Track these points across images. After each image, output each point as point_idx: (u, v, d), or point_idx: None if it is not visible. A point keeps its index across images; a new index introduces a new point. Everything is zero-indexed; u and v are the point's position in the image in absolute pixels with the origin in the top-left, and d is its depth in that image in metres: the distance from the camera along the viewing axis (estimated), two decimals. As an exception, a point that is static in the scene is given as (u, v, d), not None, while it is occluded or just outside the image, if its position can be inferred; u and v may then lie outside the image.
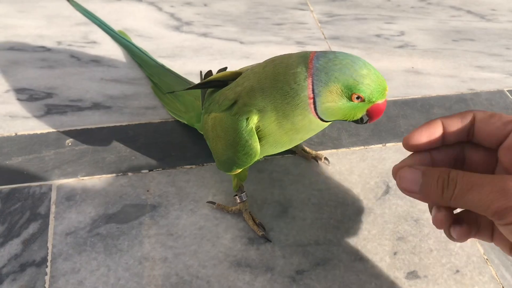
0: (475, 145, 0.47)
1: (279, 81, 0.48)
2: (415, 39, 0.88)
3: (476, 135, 0.46)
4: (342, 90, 0.45)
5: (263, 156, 0.57)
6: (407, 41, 0.88)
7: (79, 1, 0.89)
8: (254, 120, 0.49)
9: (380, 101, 0.47)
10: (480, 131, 0.46)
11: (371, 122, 0.50)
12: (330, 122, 0.50)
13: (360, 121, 0.49)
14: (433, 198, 0.43)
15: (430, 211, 0.48)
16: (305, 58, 0.47)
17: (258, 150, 0.50)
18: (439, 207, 0.45)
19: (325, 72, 0.45)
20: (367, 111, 0.48)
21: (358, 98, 0.46)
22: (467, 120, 0.46)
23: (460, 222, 0.45)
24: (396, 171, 0.46)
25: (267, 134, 0.50)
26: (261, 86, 0.49)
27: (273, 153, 0.57)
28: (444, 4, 0.98)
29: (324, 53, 0.47)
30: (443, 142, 0.47)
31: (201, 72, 0.65)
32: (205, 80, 0.58)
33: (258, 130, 0.50)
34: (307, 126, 0.49)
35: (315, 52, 0.48)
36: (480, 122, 0.45)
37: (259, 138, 0.50)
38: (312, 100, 0.46)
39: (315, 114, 0.47)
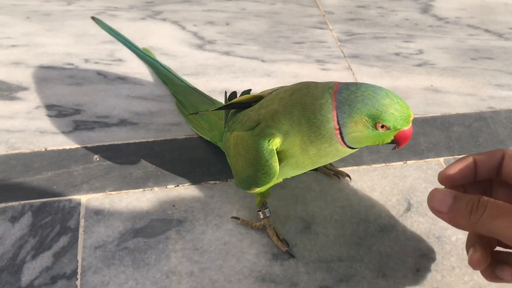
0: (503, 182, 0.48)
1: (306, 110, 0.49)
2: (433, 58, 0.89)
3: (504, 172, 0.47)
4: (366, 120, 0.47)
5: (283, 179, 0.59)
6: (426, 60, 0.89)
7: (104, 20, 0.92)
8: (276, 142, 0.51)
9: (405, 128, 0.48)
10: (507, 169, 0.47)
11: (399, 148, 0.51)
12: (358, 148, 0.52)
13: (391, 143, 0.51)
14: (460, 220, 0.44)
15: (467, 251, 0.49)
16: (330, 90, 0.49)
17: (277, 170, 0.52)
18: (475, 246, 0.47)
19: (348, 104, 0.47)
20: (394, 137, 0.49)
21: (383, 127, 0.47)
22: (496, 158, 0.47)
23: (506, 263, 0.46)
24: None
25: (289, 156, 0.52)
26: (287, 112, 0.51)
27: (293, 175, 0.58)
28: (462, 23, 0.99)
29: (346, 85, 0.49)
30: (474, 178, 0.48)
31: (225, 92, 0.66)
32: (228, 103, 0.60)
33: (280, 152, 0.52)
34: (333, 153, 0.51)
35: (339, 83, 0.50)
36: (509, 160, 0.47)
37: (280, 160, 0.52)
38: (338, 131, 0.48)
39: (342, 143, 0.49)
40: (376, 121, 0.47)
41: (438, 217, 0.47)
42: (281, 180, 0.59)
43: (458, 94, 0.82)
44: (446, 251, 0.60)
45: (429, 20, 1.00)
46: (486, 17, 1.01)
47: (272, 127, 0.51)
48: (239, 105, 0.60)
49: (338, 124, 0.48)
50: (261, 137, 0.52)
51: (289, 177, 0.60)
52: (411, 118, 0.49)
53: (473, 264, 0.47)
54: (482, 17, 1.01)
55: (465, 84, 0.84)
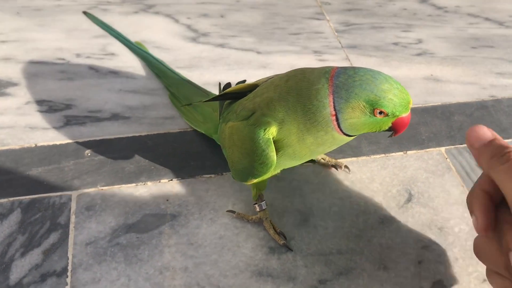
0: None
1: (301, 96, 0.48)
2: (433, 47, 0.88)
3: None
4: (364, 106, 0.45)
5: (281, 170, 0.57)
6: (425, 49, 0.87)
7: (96, 15, 0.90)
8: (272, 130, 0.49)
9: (404, 115, 0.47)
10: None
11: (396, 135, 0.50)
12: (355, 136, 0.50)
13: (389, 131, 0.49)
14: (481, 159, 0.46)
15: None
16: (326, 75, 0.47)
17: (275, 160, 0.50)
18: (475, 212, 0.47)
19: (345, 89, 0.45)
20: (392, 124, 0.47)
21: (381, 113, 0.45)
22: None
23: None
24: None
25: (285, 146, 0.50)
26: (282, 99, 0.49)
27: (291, 165, 0.56)
28: (461, 11, 0.97)
29: (344, 69, 0.47)
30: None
31: (219, 83, 0.65)
32: (223, 92, 0.59)
33: (276, 141, 0.50)
34: (330, 141, 0.49)
35: (336, 68, 0.48)
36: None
37: (277, 149, 0.50)
38: (334, 117, 0.46)
39: (339, 130, 0.47)
40: (374, 107, 0.45)
41: (468, 148, 0.48)
42: (278, 171, 0.57)
43: (459, 83, 0.80)
44: (448, 242, 0.58)
45: (428, 10, 0.98)
46: (486, 5, 1.00)
47: (267, 116, 0.50)
48: (233, 95, 0.58)
49: (335, 110, 0.46)
50: (256, 126, 0.50)
51: (286, 168, 0.58)
52: (410, 105, 0.47)
53: (478, 228, 0.47)
54: (482, 6, 0.99)
55: (466, 73, 0.82)
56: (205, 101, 0.60)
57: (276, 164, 0.52)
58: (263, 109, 0.50)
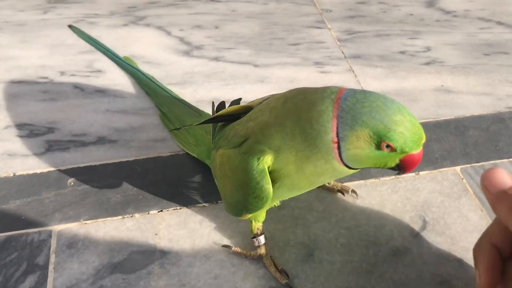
0: None
1: (301, 119, 0.42)
2: (442, 55, 0.82)
3: None
4: (370, 136, 0.40)
5: (279, 201, 0.52)
6: (434, 57, 0.81)
7: (83, 29, 0.85)
8: (267, 160, 0.44)
9: (414, 152, 0.41)
10: None
11: (403, 174, 0.45)
12: (357, 170, 0.45)
13: (395, 168, 0.44)
14: (501, 210, 0.42)
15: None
16: (332, 96, 0.42)
17: (271, 193, 0.45)
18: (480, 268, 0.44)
19: (351, 115, 0.40)
20: (400, 161, 0.42)
21: (388, 147, 0.41)
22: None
23: None
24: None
25: (283, 176, 0.45)
26: (278, 123, 0.44)
27: (290, 197, 0.51)
28: (471, 16, 0.92)
29: (353, 92, 0.42)
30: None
31: (213, 103, 0.59)
32: (215, 115, 0.53)
33: (272, 171, 0.45)
34: (330, 171, 0.44)
35: (344, 89, 0.42)
36: None
37: (273, 180, 0.45)
38: (336, 145, 0.41)
39: (339, 161, 0.42)
40: (381, 139, 0.40)
41: (484, 193, 0.44)
42: (277, 202, 0.52)
43: (472, 94, 0.74)
44: (469, 276, 0.52)
45: (435, 14, 0.92)
46: (497, 8, 0.94)
47: (262, 143, 0.44)
48: (226, 117, 0.53)
49: (337, 136, 0.41)
50: (249, 155, 0.45)
51: (286, 199, 0.52)
52: (423, 141, 0.42)
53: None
54: (493, 9, 0.93)
55: (479, 82, 0.76)
56: (197, 125, 0.54)
57: (273, 196, 0.46)
58: (257, 135, 0.45)
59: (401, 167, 0.43)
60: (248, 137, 0.46)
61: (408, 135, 0.40)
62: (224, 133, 0.51)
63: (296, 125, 0.42)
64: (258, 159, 0.44)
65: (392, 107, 0.41)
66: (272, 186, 0.45)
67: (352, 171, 0.45)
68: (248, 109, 0.51)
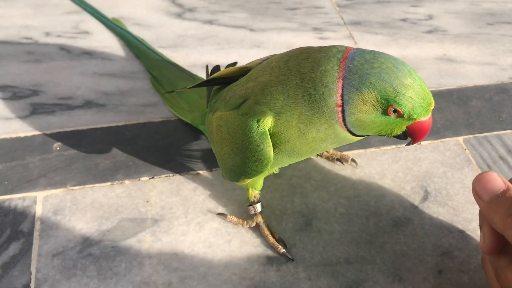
0: None
1: (304, 80, 0.39)
2: (445, 23, 0.79)
3: None
4: (377, 100, 0.38)
5: (278, 167, 0.49)
6: (437, 26, 0.78)
7: (70, -12, 0.80)
8: (268, 122, 0.41)
9: (423, 119, 0.39)
10: None
11: (413, 144, 0.42)
12: (362, 137, 0.42)
13: (402, 137, 0.41)
14: (494, 216, 0.40)
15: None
16: (338, 55, 0.39)
17: (271, 157, 0.42)
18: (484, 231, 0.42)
19: (359, 76, 0.38)
20: (408, 128, 0.40)
21: (395, 112, 0.38)
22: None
23: None
24: None
25: (283, 141, 0.42)
26: (280, 83, 0.41)
27: (289, 163, 0.49)
28: (474, -16, 0.89)
29: (361, 52, 0.39)
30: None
31: (207, 66, 0.56)
32: (210, 77, 0.50)
33: (272, 135, 0.42)
34: (332, 137, 0.42)
35: (351, 49, 0.39)
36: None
37: (273, 145, 0.42)
38: (340, 108, 0.39)
39: (343, 126, 0.40)
40: (388, 104, 0.38)
41: (476, 201, 0.41)
42: (276, 169, 0.49)
43: (475, 63, 0.72)
44: (472, 247, 0.50)
45: (437, -18, 0.89)
46: (501, -23, 0.91)
47: (262, 103, 0.41)
48: (222, 80, 0.50)
49: (342, 99, 0.38)
50: (249, 116, 0.42)
51: (285, 166, 0.50)
52: (432, 107, 0.39)
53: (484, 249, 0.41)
54: (496, -22, 0.91)
55: (482, 52, 0.74)
56: (190, 88, 0.51)
57: (273, 162, 0.44)
58: (257, 96, 0.42)
59: (410, 135, 0.40)
60: (247, 97, 0.43)
61: (417, 100, 0.38)
62: (221, 96, 0.48)
63: (298, 86, 0.40)
64: (258, 120, 0.41)
65: (403, 69, 0.38)
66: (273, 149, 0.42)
67: (356, 138, 0.42)
68: (245, 71, 0.48)
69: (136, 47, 0.68)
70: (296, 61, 0.41)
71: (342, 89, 0.38)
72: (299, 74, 0.40)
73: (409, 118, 0.38)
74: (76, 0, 0.77)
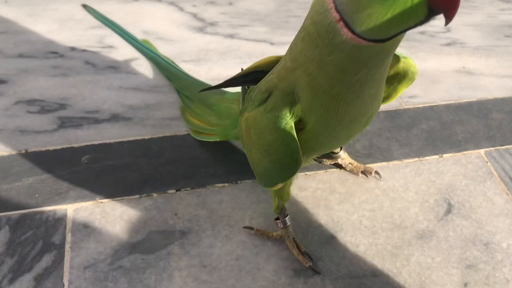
0: None
1: (306, 29, 0.36)
2: (463, 36, 0.80)
3: None
4: None
5: (316, 155, 0.47)
6: (455, 38, 0.79)
7: (92, 3, 0.82)
8: (295, 111, 0.38)
9: None
10: None
11: (448, 19, 0.31)
12: (392, 41, 0.34)
13: (431, 16, 0.32)
14: None
15: None
16: None
17: (301, 158, 0.40)
18: None
19: None
20: (430, 0, 0.31)
21: None
22: None
23: None
24: None
25: (316, 119, 0.39)
26: (293, 55, 0.38)
27: (329, 146, 0.45)
28: (491, -4, 0.89)
29: None
30: None
31: (242, 69, 0.57)
32: (244, 71, 0.47)
33: (300, 121, 0.39)
34: (362, 63, 0.35)
35: None
36: None
37: (304, 130, 0.40)
38: (342, 23, 0.33)
39: (357, 38, 0.33)
40: None
41: None
42: (312, 159, 0.47)
43: (494, 76, 0.72)
44: (497, 260, 0.51)
45: (455, -6, 0.89)
46: (517, -11, 0.92)
47: (286, 92, 0.38)
48: (260, 75, 0.45)
49: (338, 12, 0.33)
50: (276, 112, 0.39)
51: (319, 155, 0.47)
52: None
53: None
54: (513, -10, 0.91)
55: (501, 64, 0.75)
56: (226, 84, 0.48)
57: (310, 147, 0.42)
58: (279, 85, 0.39)
59: (437, 7, 0.31)
60: (271, 91, 0.41)
61: None
62: (250, 95, 0.46)
63: (305, 39, 0.36)
64: (286, 115, 0.39)
65: None
66: (308, 137, 0.40)
67: (385, 48, 0.34)
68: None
69: (166, 69, 0.69)
70: (304, 23, 0.37)
71: (334, 3, 0.33)
72: (304, 29, 0.36)
73: None
74: (106, 21, 0.77)
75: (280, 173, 0.42)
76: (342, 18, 0.33)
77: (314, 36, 0.35)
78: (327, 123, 0.39)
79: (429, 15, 0.31)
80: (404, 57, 0.45)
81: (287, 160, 0.41)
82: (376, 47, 0.34)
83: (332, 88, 0.37)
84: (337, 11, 0.33)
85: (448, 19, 0.32)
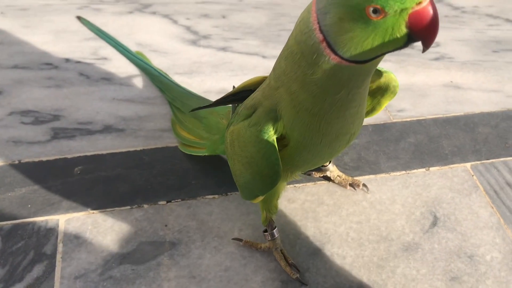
0: None
1: (289, 47, 0.37)
2: (451, 51, 0.81)
3: None
4: (351, 10, 0.32)
5: (300, 172, 0.48)
6: (444, 53, 0.81)
7: (88, 15, 0.83)
8: (279, 127, 0.40)
9: (417, 6, 0.31)
10: None
11: (425, 47, 0.33)
12: (371, 62, 0.35)
13: (411, 42, 0.33)
14: None
15: None
16: (310, 4, 0.35)
17: (280, 171, 0.41)
18: None
19: (326, 0, 0.33)
20: (408, 28, 0.32)
21: (375, 12, 0.31)
22: None
23: None
24: None
25: (298, 136, 0.40)
26: (277, 74, 0.39)
27: (312, 162, 0.46)
28: (480, 12, 0.91)
29: None
30: None
31: (233, 87, 0.58)
32: (233, 90, 0.49)
33: (283, 137, 0.41)
34: (341, 83, 0.36)
35: None
36: None
37: (287, 147, 0.41)
38: (325, 44, 0.34)
39: (340, 59, 0.34)
40: (363, 6, 0.31)
41: None
42: (297, 175, 0.48)
43: (482, 90, 0.74)
44: (480, 272, 0.52)
45: (444, 10, 0.91)
46: (505, 5, 0.93)
47: (269, 109, 0.40)
48: (248, 93, 0.47)
49: (322, 33, 0.34)
50: (259, 126, 0.40)
51: (309, 168, 0.48)
52: None
53: None
54: (501, 6, 0.93)
55: (488, 79, 0.76)
56: (216, 103, 0.50)
57: (294, 164, 0.43)
58: (264, 102, 0.41)
59: (415, 35, 0.32)
60: (256, 107, 0.42)
61: None
62: (237, 110, 0.47)
63: (287, 58, 0.37)
64: (268, 129, 0.40)
65: None
66: (291, 153, 0.41)
67: (365, 68, 0.35)
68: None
69: (159, 80, 0.70)
70: (287, 43, 0.38)
71: (319, 23, 0.34)
72: (287, 47, 0.37)
73: (398, 12, 0.31)
74: (100, 33, 0.78)
75: (260, 185, 0.43)
76: (325, 39, 0.34)
77: (298, 56, 0.36)
78: (309, 140, 0.41)
79: (408, 41, 0.33)
80: (385, 72, 0.47)
81: (268, 172, 0.42)
82: (357, 68, 0.35)
83: (314, 107, 0.38)
84: (321, 32, 0.34)
85: (426, 47, 0.33)
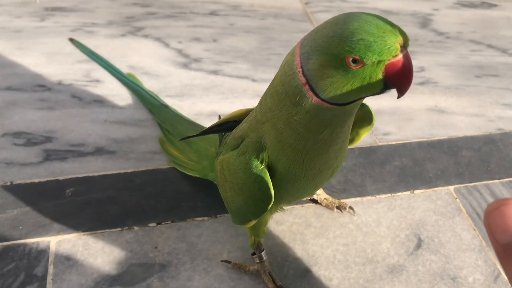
0: None
1: (275, 87, 0.39)
2: (436, 75, 0.84)
3: None
4: (331, 58, 0.34)
5: (285, 204, 0.50)
6: (428, 77, 0.83)
7: (81, 38, 0.84)
8: (265, 157, 0.42)
9: (393, 59, 0.34)
10: None
11: (400, 94, 0.36)
12: (352, 104, 0.37)
13: (387, 89, 0.36)
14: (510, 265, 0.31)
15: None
16: (297, 45, 0.38)
17: (272, 194, 0.42)
18: None
19: (309, 46, 0.35)
20: (385, 76, 0.34)
21: (355, 61, 0.34)
22: None
23: None
24: None
25: (283, 169, 0.42)
26: (263, 109, 0.41)
27: (293, 196, 0.48)
28: (463, 38, 0.94)
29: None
30: None
31: (219, 116, 0.59)
32: (219, 121, 0.51)
33: (275, 165, 0.42)
34: (321, 123, 0.38)
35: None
36: None
37: (276, 179, 0.43)
38: (307, 86, 0.36)
39: (319, 100, 0.36)
40: (343, 56, 0.33)
41: (490, 239, 0.28)
42: (282, 207, 0.50)
43: (465, 114, 0.76)
44: (463, 294, 0.53)
45: (429, 35, 0.94)
46: (488, 31, 0.96)
47: (256, 141, 0.42)
48: (234, 124, 0.50)
49: (305, 77, 0.36)
50: (246, 156, 0.43)
51: (287, 204, 0.50)
52: (400, 43, 0.34)
53: None
54: (484, 32, 0.96)
55: (471, 103, 0.78)
56: (201, 134, 0.52)
57: (278, 196, 0.44)
58: (251, 134, 0.43)
59: (390, 83, 0.35)
60: (243, 138, 0.44)
61: (372, 39, 0.33)
62: (226, 140, 0.49)
63: (273, 96, 0.39)
64: (255, 159, 0.42)
65: (352, 17, 0.34)
66: (276, 186, 0.43)
67: (347, 110, 0.38)
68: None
69: (149, 102, 0.71)
70: (273, 81, 0.40)
71: (302, 67, 0.36)
72: (273, 86, 0.40)
73: (377, 62, 0.34)
74: (92, 55, 0.79)
75: (253, 210, 0.45)
76: (308, 82, 0.36)
77: (282, 95, 0.38)
78: (293, 174, 0.43)
79: (384, 88, 0.35)
80: (363, 105, 0.49)
81: (260, 196, 0.43)
82: (339, 109, 0.37)
83: (298, 144, 0.40)
84: (304, 75, 0.36)
85: (401, 93, 0.36)
